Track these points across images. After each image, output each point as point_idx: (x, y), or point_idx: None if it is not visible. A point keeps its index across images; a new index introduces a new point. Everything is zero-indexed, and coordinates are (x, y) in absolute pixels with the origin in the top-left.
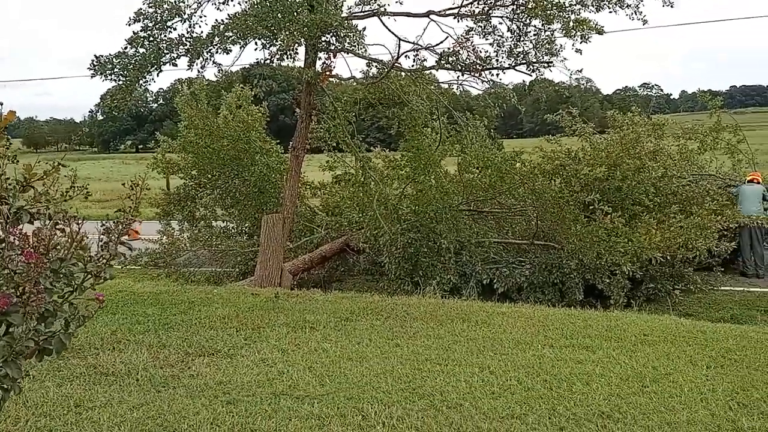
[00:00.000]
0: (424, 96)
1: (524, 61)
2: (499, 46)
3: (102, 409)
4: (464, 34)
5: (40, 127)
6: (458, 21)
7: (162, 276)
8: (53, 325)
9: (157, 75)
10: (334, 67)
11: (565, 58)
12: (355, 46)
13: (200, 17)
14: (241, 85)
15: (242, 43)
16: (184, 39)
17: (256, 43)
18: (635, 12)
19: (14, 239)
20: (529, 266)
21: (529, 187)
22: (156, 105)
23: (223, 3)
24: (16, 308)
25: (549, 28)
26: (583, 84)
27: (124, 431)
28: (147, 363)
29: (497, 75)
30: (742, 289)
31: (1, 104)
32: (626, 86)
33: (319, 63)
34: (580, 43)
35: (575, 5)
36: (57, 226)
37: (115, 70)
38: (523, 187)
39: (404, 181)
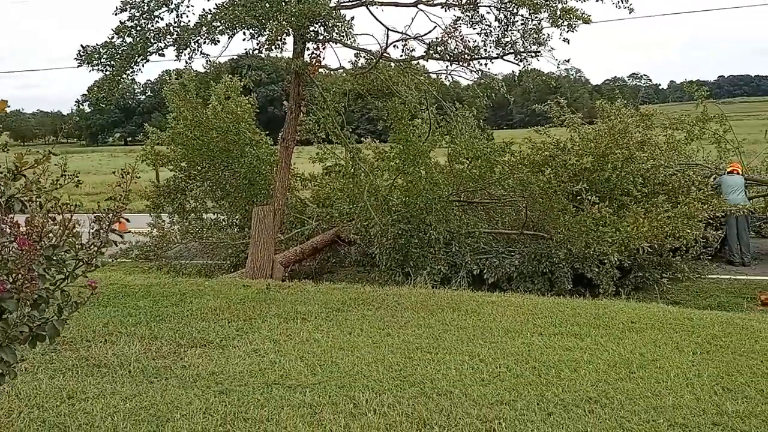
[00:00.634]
0: (413, 86)
1: (512, 51)
2: (487, 36)
3: (94, 401)
4: (452, 24)
5: (27, 119)
6: (446, 11)
7: (153, 269)
8: (46, 311)
9: (143, 65)
10: (323, 58)
11: (552, 48)
12: (343, 36)
13: (188, 7)
14: (230, 76)
15: (230, 33)
16: (171, 28)
17: (244, 33)
18: (621, 0)
19: (6, 227)
20: (519, 256)
21: (518, 178)
22: (144, 97)
23: None
24: (10, 294)
25: (536, 17)
26: (572, 74)
27: (116, 422)
28: (139, 354)
29: (486, 65)
30: (728, 277)
31: None
32: (615, 76)
33: (307, 53)
34: (567, 32)
35: None
36: (49, 214)
37: (102, 59)
38: (513, 177)
39: (394, 172)
